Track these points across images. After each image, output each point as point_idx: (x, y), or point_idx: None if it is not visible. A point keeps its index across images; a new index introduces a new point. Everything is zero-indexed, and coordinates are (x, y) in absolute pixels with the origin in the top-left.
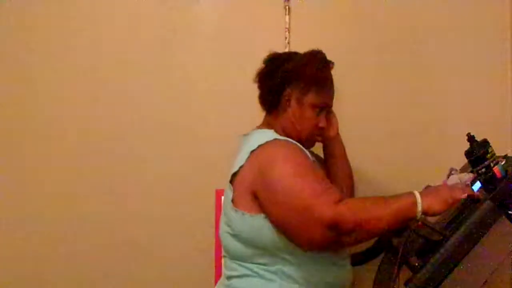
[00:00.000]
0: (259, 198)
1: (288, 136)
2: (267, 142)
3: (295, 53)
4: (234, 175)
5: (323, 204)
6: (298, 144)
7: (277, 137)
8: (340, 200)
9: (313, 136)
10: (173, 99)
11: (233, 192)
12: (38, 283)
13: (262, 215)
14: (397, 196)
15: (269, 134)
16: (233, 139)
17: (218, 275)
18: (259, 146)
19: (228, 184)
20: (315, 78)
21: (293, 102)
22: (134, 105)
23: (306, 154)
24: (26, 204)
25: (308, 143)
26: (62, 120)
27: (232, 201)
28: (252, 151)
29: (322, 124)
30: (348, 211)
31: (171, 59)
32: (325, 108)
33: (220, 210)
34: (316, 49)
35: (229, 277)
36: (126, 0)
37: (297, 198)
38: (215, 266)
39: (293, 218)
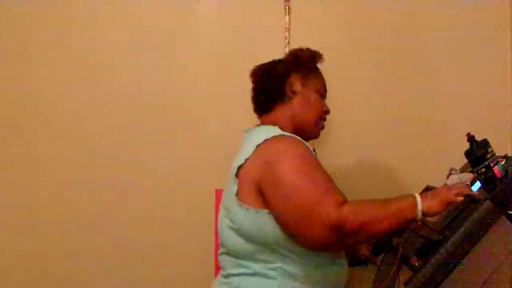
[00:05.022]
0: (264, 193)
1: (296, 128)
2: (273, 137)
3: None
4: (239, 167)
5: (328, 205)
6: (304, 141)
7: (283, 133)
8: (344, 202)
9: (320, 122)
10: (173, 99)
11: (238, 186)
12: (39, 283)
13: (266, 211)
14: (397, 198)
15: (275, 130)
16: (232, 139)
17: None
18: (265, 140)
19: (233, 177)
20: (312, 65)
21: (298, 88)
22: (134, 105)
23: (312, 151)
24: (26, 204)
25: (317, 129)
26: (62, 120)
27: (236, 194)
28: (258, 145)
29: (326, 108)
30: (351, 213)
31: (171, 59)
32: (325, 96)
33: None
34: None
35: (227, 275)
36: (126, 0)
37: (302, 196)
38: (215, 266)
39: (297, 216)
